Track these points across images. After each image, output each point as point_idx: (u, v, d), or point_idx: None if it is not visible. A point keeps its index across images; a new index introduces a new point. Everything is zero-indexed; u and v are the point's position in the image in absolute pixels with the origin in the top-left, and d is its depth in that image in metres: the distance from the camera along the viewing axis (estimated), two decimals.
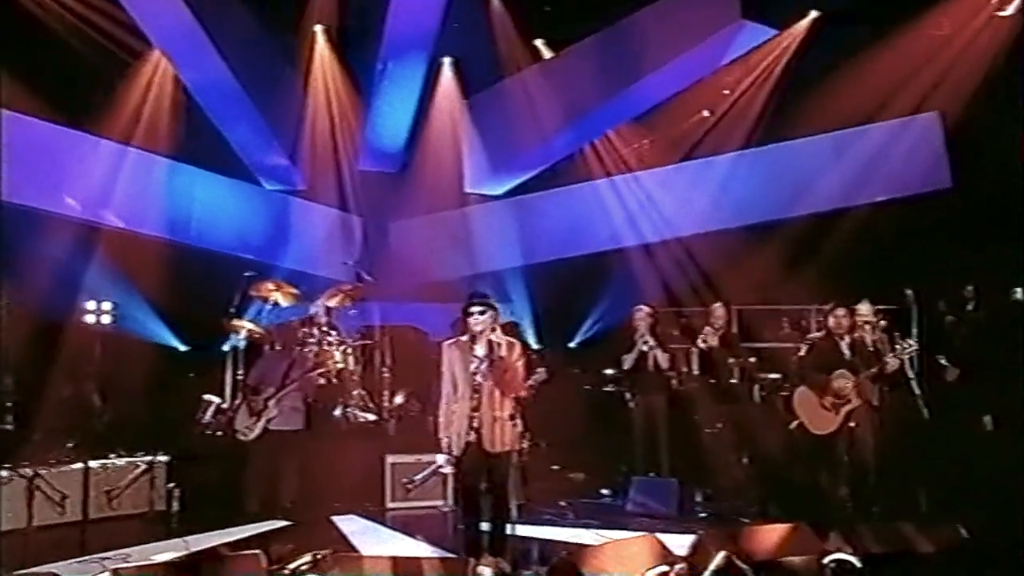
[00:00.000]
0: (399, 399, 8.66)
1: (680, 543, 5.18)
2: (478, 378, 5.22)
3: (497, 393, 5.24)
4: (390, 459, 7.44)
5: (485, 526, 5.51)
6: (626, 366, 7.93)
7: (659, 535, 5.18)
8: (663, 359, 7.91)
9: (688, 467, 7.67)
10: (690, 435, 7.88)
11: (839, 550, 4.99)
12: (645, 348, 7.86)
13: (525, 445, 5.48)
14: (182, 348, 9.25)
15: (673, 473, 7.59)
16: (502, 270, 10.19)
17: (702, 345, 7.90)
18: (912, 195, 8.62)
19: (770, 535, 5.18)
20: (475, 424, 5.18)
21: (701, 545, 5.06)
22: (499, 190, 10.84)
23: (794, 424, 6.76)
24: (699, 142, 9.76)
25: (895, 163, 8.73)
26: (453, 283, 9.90)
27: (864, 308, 6.79)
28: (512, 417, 5.32)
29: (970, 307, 7.98)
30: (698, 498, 7.56)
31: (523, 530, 5.61)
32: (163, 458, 7.23)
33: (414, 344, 9.25)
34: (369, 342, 8.76)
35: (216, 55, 8.80)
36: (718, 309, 8.08)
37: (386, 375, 8.72)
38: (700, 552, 4.96)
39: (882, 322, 6.74)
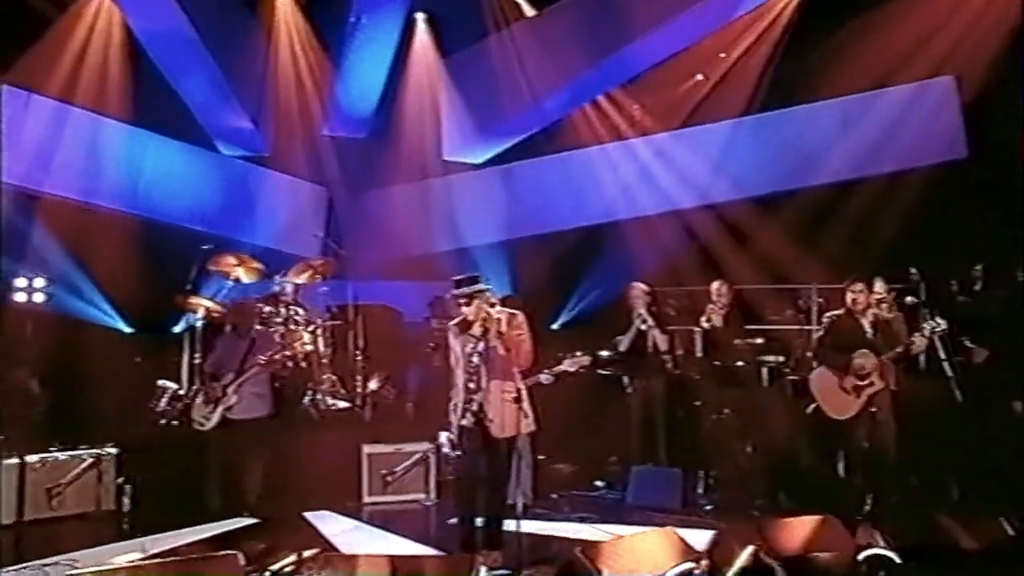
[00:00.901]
0: (373, 384, 8.53)
1: (699, 538, 5.09)
2: (474, 360, 5.22)
3: (499, 373, 5.20)
4: (367, 449, 7.29)
5: (479, 521, 5.42)
6: (622, 348, 7.74)
7: (677, 530, 5.03)
8: (662, 340, 7.74)
9: (689, 456, 7.56)
10: (692, 421, 7.78)
11: (871, 544, 4.83)
12: (644, 327, 7.69)
13: (526, 431, 5.38)
14: (127, 330, 8.97)
15: (672, 463, 7.48)
16: (484, 245, 10.03)
17: (705, 325, 7.77)
18: (925, 166, 8.42)
19: (797, 528, 4.98)
20: (472, 407, 5.14)
21: (723, 540, 4.93)
22: (480, 158, 10.67)
23: (810, 408, 6.67)
24: (697, 108, 9.58)
25: (907, 132, 8.53)
26: (431, 259, 9.85)
27: (878, 286, 6.71)
28: (517, 400, 5.23)
29: (977, 287, 7.88)
30: (700, 489, 7.48)
31: (518, 526, 5.47)
32: (111, 451, 6.94)
33: (389, 325, 9.26)
34: (340, 322, 8.61)
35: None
36: (720, 287, 7.94)
37: (359, 358, 8.56)
38: (722, 547, 4.82)
39: (907, 299, 6.64)
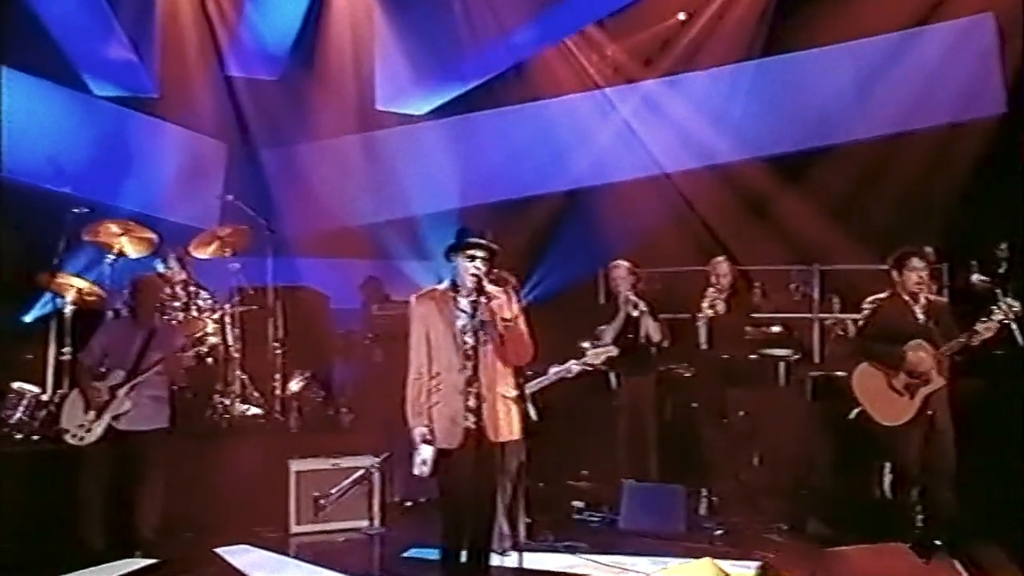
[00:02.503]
0: (295, 385, 8.24)
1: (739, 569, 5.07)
2: (468, 340, 4.86)
3: (498, 363, 4.91)
4: (294, 466, 7.02)
5: (464, 556, 5.06)
6: (607, 339, 7.39)
7: (718, 560, 4.95)
8: (655, 330, 7.54)
9: (689, 469, 7.48)
10: (692, 427, 7.73)
11: None
12: (635, 314, 7.46)
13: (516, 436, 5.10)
14: None
15: (667, 477, 7.37)
16: (429, 214, 9.82)
17: (709, 312, 7.53)
18: (954, 124, 8.42)
19: (859, 560, 4.83)
20: (472, 403, 4.82)
21: (769, 572, 4.90)
22: (422, 108, 10.40)
23: (854, 413, 6.35)
24: (688, 52, 9.50)
25: (934, 82, 8.54)
26: (361, 231, 9.77)
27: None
28: (520, 398, 5.01)
29: (1001, 269, 7.67)
30: (702, 510, 7.35)
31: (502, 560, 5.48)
32: None
33: (315, 312, 9.06)
34: (254, 308, 8.24)
35: None
36: (722, 265, 7.77)
37: (278, 353, 8.24)
38: None
39: (974, 277, 6.57)
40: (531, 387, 5.74)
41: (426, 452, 4.80)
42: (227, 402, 7.78)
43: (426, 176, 10.04)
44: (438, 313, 4.95)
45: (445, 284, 5.04)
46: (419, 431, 4.85)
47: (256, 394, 8.04)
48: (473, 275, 4.87)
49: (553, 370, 6.07)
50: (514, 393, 4.98)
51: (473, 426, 4.81)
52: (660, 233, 9.03)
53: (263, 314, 8.24)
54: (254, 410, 7.95)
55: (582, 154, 9.82)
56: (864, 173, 8.66)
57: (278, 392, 8.10)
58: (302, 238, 9.43)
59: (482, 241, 4.93)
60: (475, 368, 4.81)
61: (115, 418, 6.28)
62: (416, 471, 4.88)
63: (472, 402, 4.81)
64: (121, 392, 6.28)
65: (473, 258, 4.88)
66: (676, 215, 9.24)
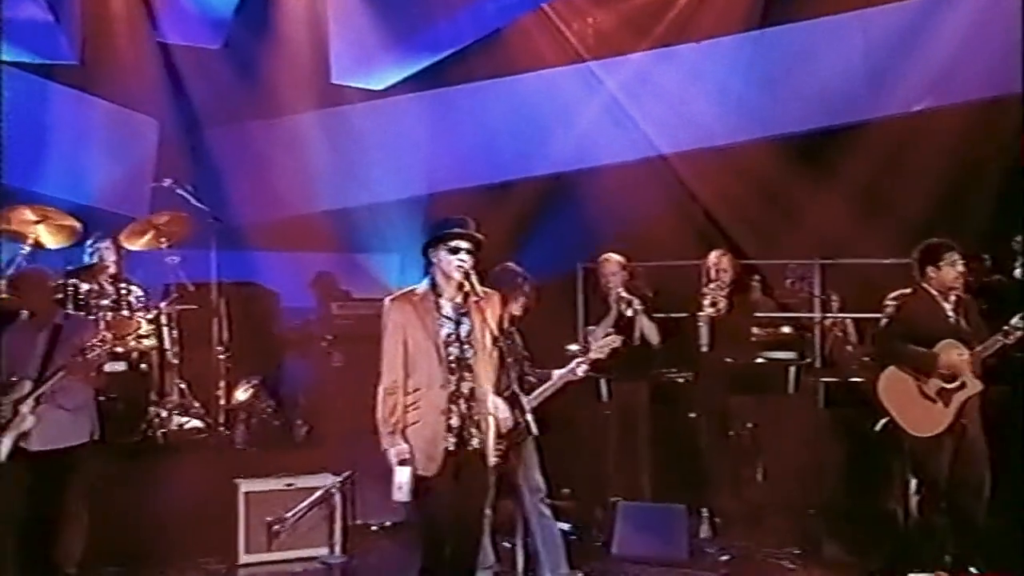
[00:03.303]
0: (242, 394, 8.19)
1: None
2: (453, 351, 4.78)
3: (488, 373, 4.85)
4: (244, 486, 6.86)
5: None
6: (599, 339, 7.07)
7: None
8: (651, 331, 7.44)
9: (688, 487, 7.39)
10: (692, 439, 7.55)
11: None
12: (629, 313, 7.34)
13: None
14: None
15: (661, 496, 7.34)
16: (391, 202, 9.85)
17: (710, 311, 7.35)
18: (967, 102, 8.35)
19: None
20: (454, 423, 4.74)
21: None
22: (384, 82, 10.25)
23: (880, 424, 6.21)
24: (682, 19, 9.34)
25: (947, 57, 8.44)
26: (317, 220, 9.68)
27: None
28: (513, 406, 4.94)
29: (1018, 263, 7.75)
30: (704, 533, 7.24)
31: None
32: None
33: (262, 310, 9.11)
34: (194, 307, 8.13)
35: None
36: (722, 260, 7.61)
37: (221, 357, 8.18)
38: None
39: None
40: (533, 399, 5.58)
41: (403, 475, 4.64)
42: (163, 414, 7.64)
43: (390, 159, 9.99)
44: (417, 320, 4.79)
45: (424, 286, 4.88)
46: (395, 451, 4.70)
47: (197, 404, 7.93)
48: (459, 268, 4.73)
49: (556, 374, 5.85)
50: (505, 407, 4.88)
51: (454, 448, 4.71)
52: (654, 223, 8.96)
53: (205, 313, 8.14)
54: (195, 423, 7.84)
55: (565, 134, 9.77)
56: (875, 156, 8.61)
57: (222, 402, 8.03)
58: (250, 228, 9.34)
59: (467, 231, 4.80)
60: (459, 383, 4.74)
61: (23, 436, 5.84)
62: (394, 496, 4.71)
63: (455, 421, 4.72)
64: (24, 407, 5.86)
65: (457, 250, 4.74)
66: (672, 202, 9.19)
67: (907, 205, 8.36)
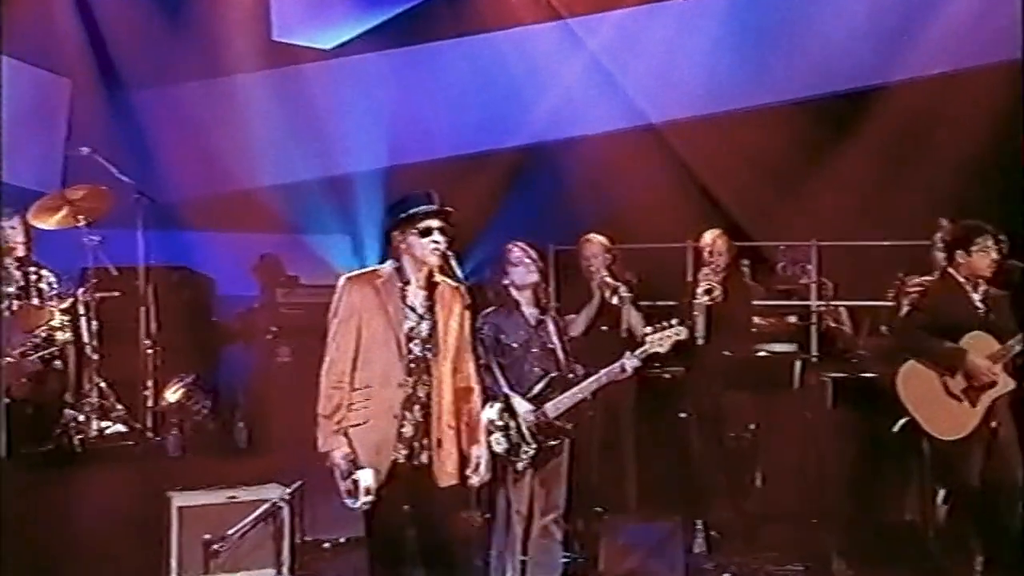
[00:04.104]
0: (173, 394, 8.08)
1: None
2: (414, 347, 4.64)
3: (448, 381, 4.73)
4: (177, 500, 6.61)
5: None
6: (578, 330, 7.27)
7: None
8: (638, 320, 7.24)
9: (679, 496, 7.36)
10: (683, 442, 7.52)
11: None
12: (615, 301, 7.20)
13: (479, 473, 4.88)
14: None
15: (647, 505, 7.34)
16: (345, 175, 9.76)
17: (705, 299, 7.28)
18: (968, 68, 8.49)
19: None
20: (407, 431, 4.62)
21: None
22: (333, 41, 10.14)
23: (899, 424, 6.18)
24: None
25: (949, 21, 8.60)
26: (260, 197, 9.63)
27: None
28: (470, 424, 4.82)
29: None
30: (699, 547, 7.13)
31: None
32: None
33: (195, 298, 9.00)
34: (117, 294, 7.91)
35: None
36: (717, 241, 7.56)
37: (149, 353, 8.01)
38: None
39: None
40: (566, 398, 5.55)
41: (366, 477, 4.43)
42: (81, 418, 7.39)
43: (342, 127, 9.88)
44: (378, 307, 4.62)
45: (388, 267, 4.72)
46: (340, 453, 4.53)
47: (120, 407, 7.71)
48: (435, 251, 4.56)
49: (602, 371, 5.66)
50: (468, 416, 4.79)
51: (403, 459, 4.58)
52: (639, 200, 8.90)
53: (130, 302, 7.95)
54: (118, 428, 7.64)
55: (540, 100, 9.80)
56: (884, 127, 8.66)
57: (150, 404, 7.88)
58: (183, 204, 9.26)
59: (435, 207, 4.63)
60: (416, 385, 4.61)
61: None
62: (352, 505, 4.51)
63: (408, 430, 4.59)
64: None
65: (428, 231, 4.57)
66: (660, 177, 9.09)
67: (913, 183, 8.43)
